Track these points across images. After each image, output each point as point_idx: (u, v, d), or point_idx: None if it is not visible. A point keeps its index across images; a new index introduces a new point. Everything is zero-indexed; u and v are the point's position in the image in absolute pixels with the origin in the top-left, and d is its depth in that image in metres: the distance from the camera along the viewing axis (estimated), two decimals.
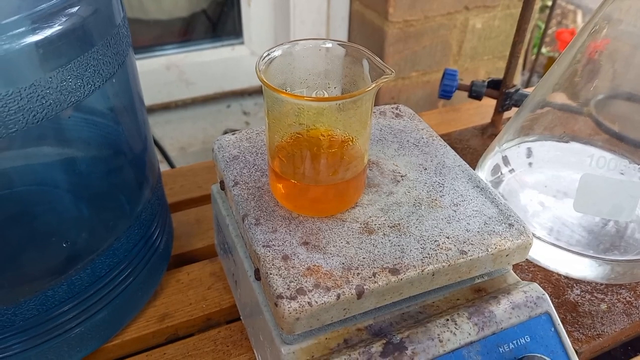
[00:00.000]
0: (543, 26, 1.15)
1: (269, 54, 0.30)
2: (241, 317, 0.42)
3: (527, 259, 0.45)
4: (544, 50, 1.58)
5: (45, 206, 0.35)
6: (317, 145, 0.31)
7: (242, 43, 0.99)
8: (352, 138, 0.31)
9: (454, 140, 0.61)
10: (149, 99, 0.38)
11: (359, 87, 0.32)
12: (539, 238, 0.44)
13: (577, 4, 1.70)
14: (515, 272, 0.44)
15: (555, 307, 0.41)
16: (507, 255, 0.32)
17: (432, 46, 0.84)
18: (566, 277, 0.44)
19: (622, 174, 0.42)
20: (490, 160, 0.48)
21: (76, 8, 0.29)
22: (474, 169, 0.50)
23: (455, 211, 0.34)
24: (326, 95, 0.33)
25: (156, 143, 0.71)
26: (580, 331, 0.40)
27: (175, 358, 0.40)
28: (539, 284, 0.43)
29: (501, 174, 0.48)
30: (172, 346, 0.41)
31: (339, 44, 0.32)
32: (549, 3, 1.07)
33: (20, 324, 0.33)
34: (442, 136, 0.62)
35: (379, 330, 0.31)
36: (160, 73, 0.94)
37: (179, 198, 0.55)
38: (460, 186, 0.36)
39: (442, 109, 0.75)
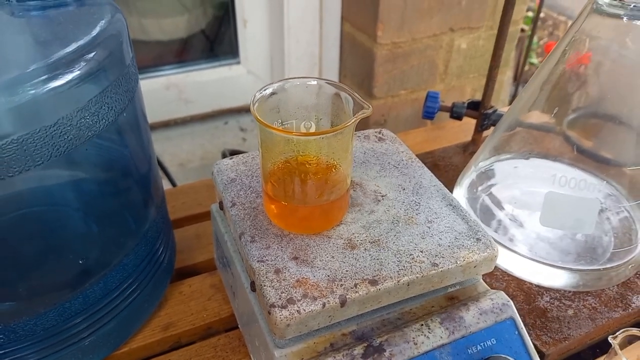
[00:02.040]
0: (533, 37, 1.18)
1: (261, 93, 0.34)
2: (239, 326, 0.45)
3: (501, 269, 0.49)
4: (535, 61, 1.62)
5: (62, 225, 0.39)
6: (304, 171, 0.35)
7: (238, 62, 1.03)
8: (336, 164, 0.35)
9: (437, 157, 0.65)
10: (149, 117, 0.41)
11: (342, 119, 0.36)
12: (512, 250, 0.47)
13: (569, 15, 1.74)
14: (490, 280, 0.48)
15: (526, 312, 0.45)
16: (475, 267, 0.36)
17: (420, 66, 0.89)
18: (537, 286, 0.48)
19: (589, 191, 0.46)
20: (467, 178, 0.53)
21: (93, 53, 0.33)
22: (454, 186, 0.55)
23: (429, 227, 0.37)
24: (313, 126, 0.37)
25: (158, 162, 0.75)
26: (548, 335, 0.44)
27: None
28: (511, 292, 0.47)
29: (477, 191, 0.52)
30: (176, 353, 0.44)
31: (326, 82, 0.36)
32: (540, 15, 1.11)
33: (41, 333, 0.37)
34: (427, 153, 0.67)
35: (361, 335, 0.35)
36: (160, 92, 0.98)
37: (180, 215, 0.59)
38: (434, 205, 0.40)
39: (429, 127, 0.79)
